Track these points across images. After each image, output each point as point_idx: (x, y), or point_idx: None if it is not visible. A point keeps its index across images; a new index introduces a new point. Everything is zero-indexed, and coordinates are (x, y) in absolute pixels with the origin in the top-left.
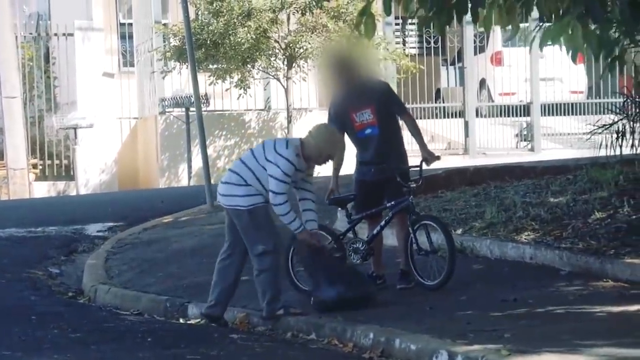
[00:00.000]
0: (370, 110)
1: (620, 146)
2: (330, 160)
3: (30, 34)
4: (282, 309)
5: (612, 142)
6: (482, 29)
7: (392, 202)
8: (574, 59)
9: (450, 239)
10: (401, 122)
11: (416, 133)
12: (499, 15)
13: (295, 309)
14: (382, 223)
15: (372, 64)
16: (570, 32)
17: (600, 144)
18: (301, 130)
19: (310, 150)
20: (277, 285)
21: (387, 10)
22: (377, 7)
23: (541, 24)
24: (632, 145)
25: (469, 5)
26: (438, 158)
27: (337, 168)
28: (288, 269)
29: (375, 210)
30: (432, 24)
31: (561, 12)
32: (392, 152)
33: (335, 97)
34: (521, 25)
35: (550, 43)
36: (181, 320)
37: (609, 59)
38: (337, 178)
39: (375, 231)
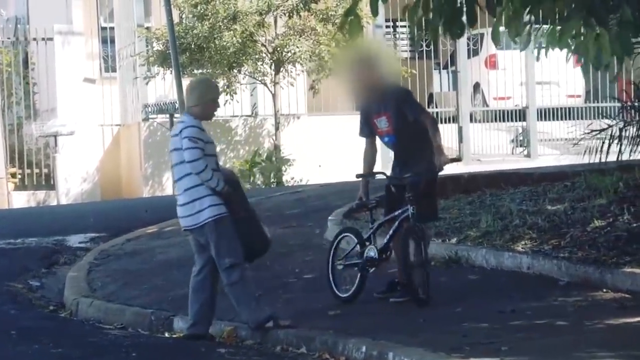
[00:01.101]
0: (386, 118)
1: (619, 152)
2: (216, 106)
3: (9, 38)
4: (271, 321)
5: (609, 147)
6: (475, 32)
7: (400, 211)
8: (593, 63)
9: (414, 255)
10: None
11: (433, 135)
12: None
13: (285, 321)
14: (391, 232)
15: (393, 70)
16: (582, 37)
17: (600, 150)
18: (290, 137)
19: (199, 109)
20: (252, 293)
21: (375, 12)
22: (367, 8)
23: (538, 26)
24: (632, 151)
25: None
26: (457, 160)
27: (366, 173)
28: (328, 267)
29: (390, 217)
30: (425, 27)
31: (558, 15)
32: (413, 159)
33: (362, 101)
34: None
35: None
36: (167, 334)
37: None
38: (367, 184)
39: (385, 239)
